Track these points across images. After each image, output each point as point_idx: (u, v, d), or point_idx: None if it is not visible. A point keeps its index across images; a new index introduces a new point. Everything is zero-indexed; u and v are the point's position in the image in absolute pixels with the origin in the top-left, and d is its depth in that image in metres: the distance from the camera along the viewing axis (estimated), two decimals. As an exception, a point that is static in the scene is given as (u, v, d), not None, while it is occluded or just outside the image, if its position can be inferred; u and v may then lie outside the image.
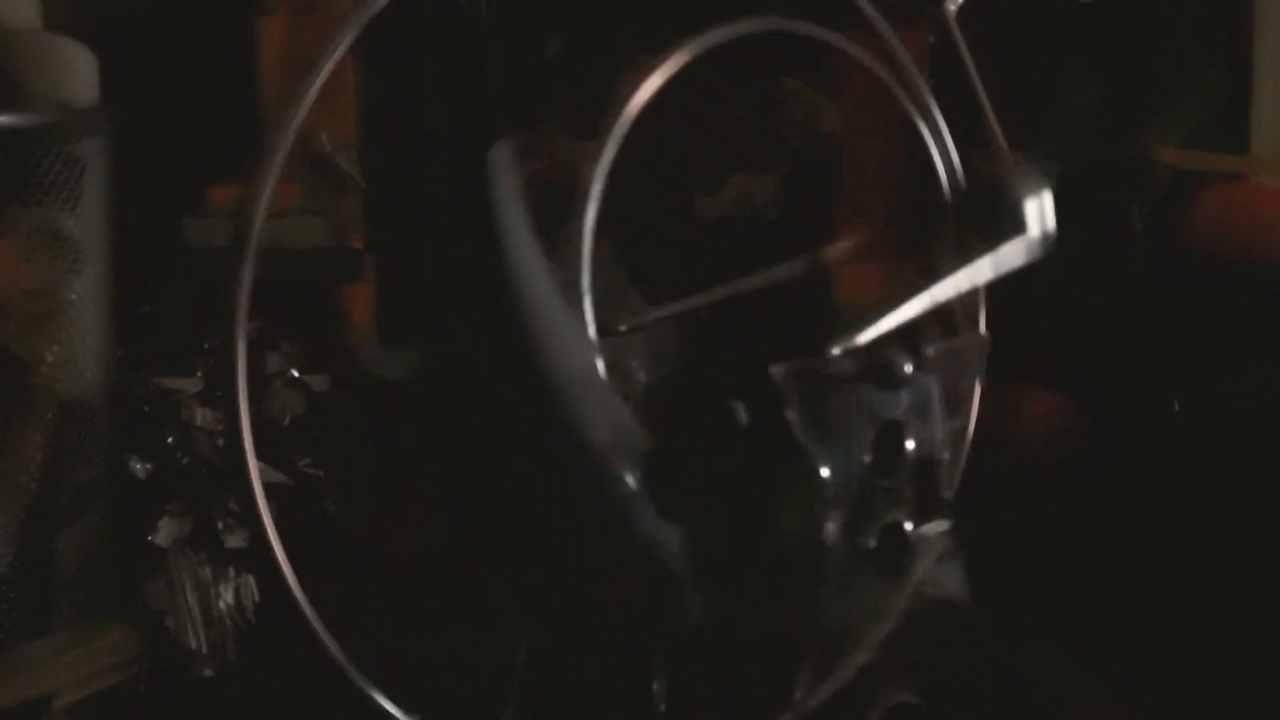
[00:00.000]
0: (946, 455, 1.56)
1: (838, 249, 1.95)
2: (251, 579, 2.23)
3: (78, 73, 2.01)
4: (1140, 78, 2.57)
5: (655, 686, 1.59)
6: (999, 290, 1.98)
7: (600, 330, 1.64)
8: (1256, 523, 2.11)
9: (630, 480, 1.45)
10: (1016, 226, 1.78)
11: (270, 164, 1.52)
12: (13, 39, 1.98)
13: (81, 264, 1.99)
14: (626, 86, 1.70)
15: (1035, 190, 1.80)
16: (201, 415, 2.27)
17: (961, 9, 1.96)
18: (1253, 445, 2.15)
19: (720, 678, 1.59)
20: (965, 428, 1.89)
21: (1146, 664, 2.06)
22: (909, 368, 1.50)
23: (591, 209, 1.67)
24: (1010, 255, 1.78)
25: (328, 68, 1.53)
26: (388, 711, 1.59)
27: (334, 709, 1.68)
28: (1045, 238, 1.80)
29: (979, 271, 1.77)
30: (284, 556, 1.54)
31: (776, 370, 1.44)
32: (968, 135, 1.95)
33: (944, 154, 1.90)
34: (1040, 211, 1.80)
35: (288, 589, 1.55)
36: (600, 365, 1.57)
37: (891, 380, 1.49)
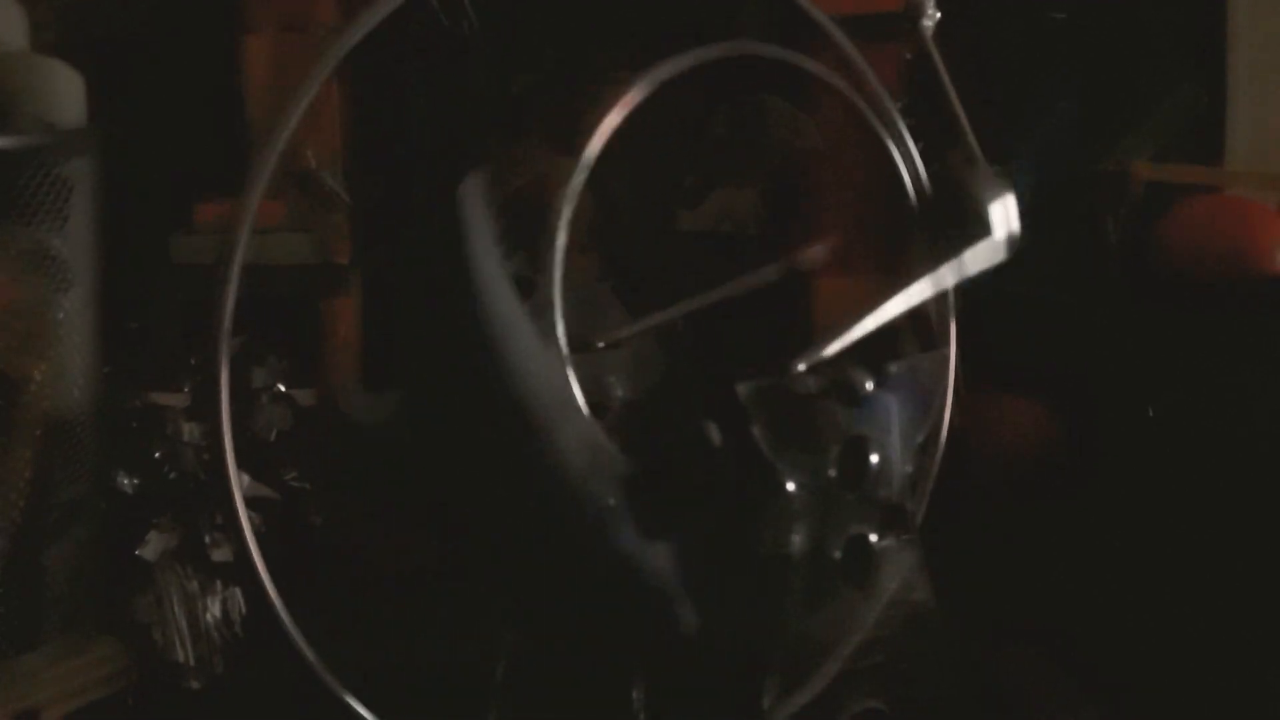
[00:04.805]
0: (910, 468, 1.57)
1: (812, 253, 1.97)
2: (238, 592, 2.24)
3: (65, 94, 2.01)
4: (1116, 92, 2.60)
5: (634, 695, 1.60)
6: (976, 301, 2.00)
7: (578, 346, 1.66)
8: (1231, 528, 2.12)
9: (608, 501, 1.46)
10: (982, 229, 1.80)
11: (253, 193, 1.54)
12: (1, 61, 1.98)
13: (70, 282, 1.99)
14: (602, 104, 1.72)
15: (1000, 193, 1.83)
16: (188, 430, 2.27)
17: (938, 25, 1.98)
18: (1225, 452, 2.17)
19: (697, 687, 1.60)
20: (931, 441, 1.92)
21: (1124, 669, 2.08)
22: (871, 385, 1.52)
23: (563, 227, 1.68)
24: (976, 258, 1.81)
25: (314, 89, 1.54)
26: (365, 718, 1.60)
27: (319, 721, 1.69)
28: (1010, 240, 1.82)
29: (946, 275, 1.79)
30: (263, 565, 1.56)
31: (742, 388, 1.46)
32: (945, 150, 1.97)
33: (912, 171, 1.92)
34: (1005, 214, 1.82)
35: (267, 598, 1.56)
36: (575, 384, 1.59)
37: (855, 397, 1.51)
